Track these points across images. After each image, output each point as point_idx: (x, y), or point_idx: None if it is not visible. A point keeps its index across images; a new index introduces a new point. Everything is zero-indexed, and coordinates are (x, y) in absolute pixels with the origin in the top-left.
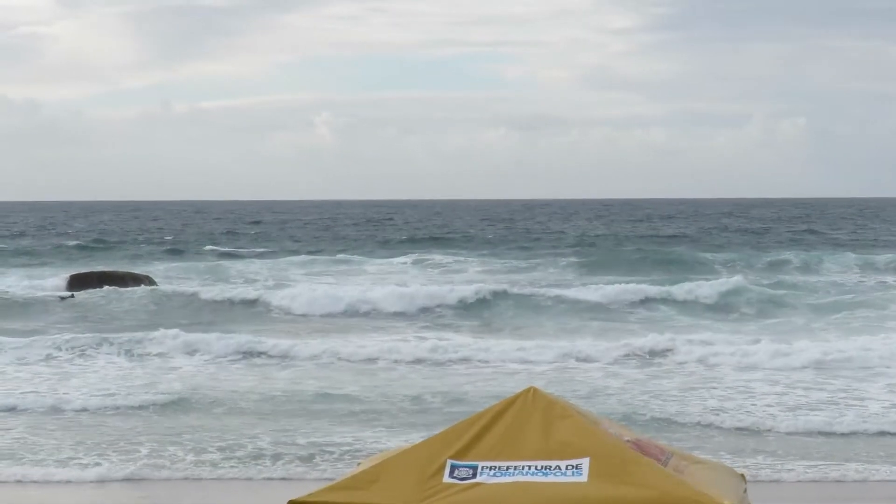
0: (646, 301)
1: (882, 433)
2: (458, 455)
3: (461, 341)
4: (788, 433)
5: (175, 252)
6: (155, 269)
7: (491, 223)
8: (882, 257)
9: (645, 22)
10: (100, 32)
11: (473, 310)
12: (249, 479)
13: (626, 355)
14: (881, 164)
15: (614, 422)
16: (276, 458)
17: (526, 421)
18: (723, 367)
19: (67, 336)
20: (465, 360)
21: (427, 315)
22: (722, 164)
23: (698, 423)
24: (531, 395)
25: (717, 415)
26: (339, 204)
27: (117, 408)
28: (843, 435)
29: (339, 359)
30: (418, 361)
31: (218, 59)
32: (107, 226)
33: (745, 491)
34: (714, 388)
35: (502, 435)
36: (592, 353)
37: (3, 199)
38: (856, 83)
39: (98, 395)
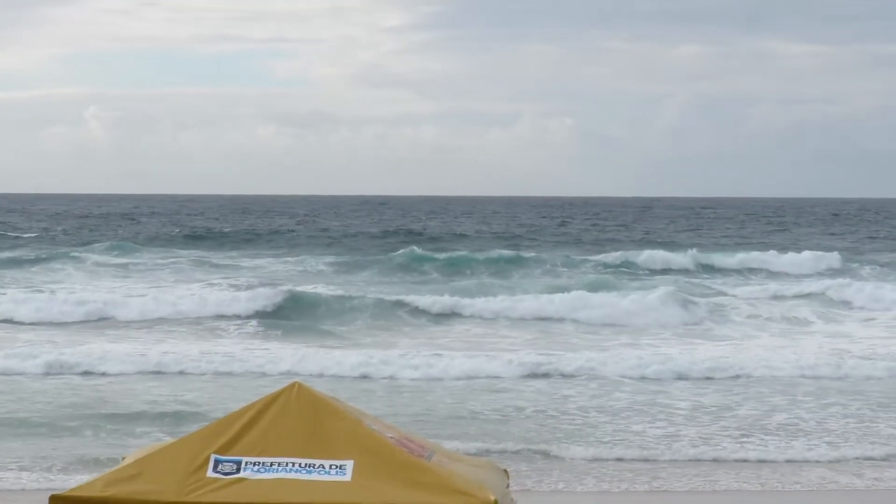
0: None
1: None
2: (222, 450)
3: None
4: None
5: None
6: None
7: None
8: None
9: (417, 20)
10: None
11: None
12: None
13: None
14: (648, 165)
15: (377, 418)
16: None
17: (291, 416)
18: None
19: None
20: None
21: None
22: (492, 163)
23: None
24: (295, 390)
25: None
26: (107, 198)
27: None
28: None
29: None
30: None
31: None
32: None
33: (508, 486)
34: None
35: (267, 430)
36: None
37: None
38: (623, 84)
39: None
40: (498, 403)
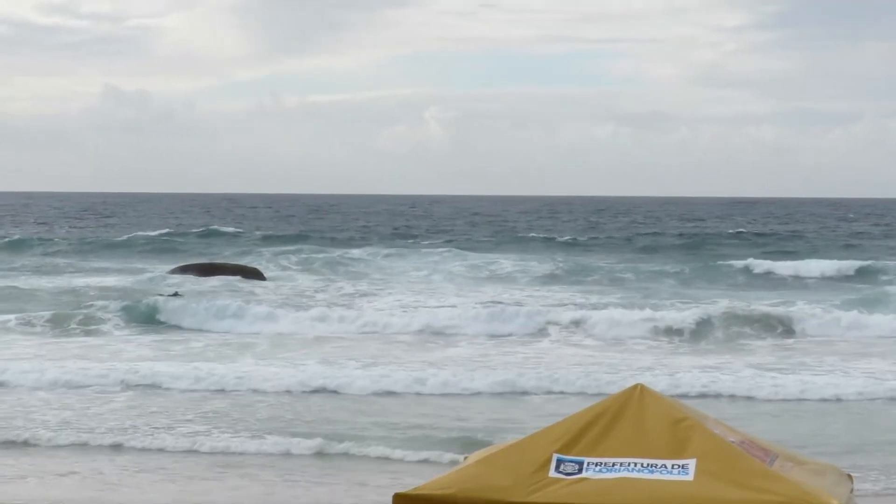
0: None
1: None
2: (565, 450)
3: None
4: None
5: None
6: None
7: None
8: None
9: (757, 20)
10: (211, 25)
11: None
12: None
13: None
14: None
15: (720, 421)
16: None
17: (633, 418)
18: None
19: None
20: None
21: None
22: (832, 163)
23: None
24: (638, 391)
25: None
26: (455, 198)
27: None
28: None
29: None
30: None
31: (328, 53)
32: (222, 217)
33: (853, 491)
34: None
35: (609, 431)
36: None
37: (115, 189)
38: None
39: None
40: None
